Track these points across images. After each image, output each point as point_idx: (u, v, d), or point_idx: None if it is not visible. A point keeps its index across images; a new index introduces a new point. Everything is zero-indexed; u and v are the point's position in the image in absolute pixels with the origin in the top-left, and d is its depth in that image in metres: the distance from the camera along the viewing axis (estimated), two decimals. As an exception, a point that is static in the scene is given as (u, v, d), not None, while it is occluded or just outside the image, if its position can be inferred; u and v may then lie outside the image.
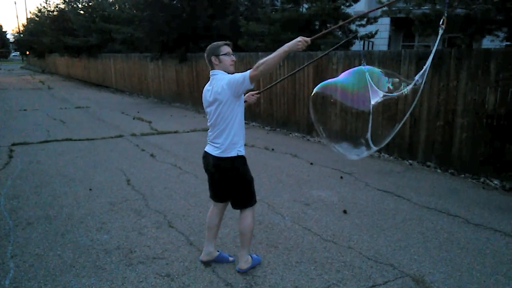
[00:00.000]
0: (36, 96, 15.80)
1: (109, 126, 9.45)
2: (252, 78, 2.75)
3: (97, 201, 4.58)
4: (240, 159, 2.97)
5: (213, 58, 2.89)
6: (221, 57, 2.88)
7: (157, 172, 5.68)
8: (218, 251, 3.27)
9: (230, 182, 3.01)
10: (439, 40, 3.06)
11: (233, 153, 2.92)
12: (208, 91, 2.94)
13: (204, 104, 3.02)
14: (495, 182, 5.22)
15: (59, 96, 15.86)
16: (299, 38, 2.76)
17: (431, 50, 3.16)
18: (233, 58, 2.95)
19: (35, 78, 27.09)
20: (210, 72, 2.96)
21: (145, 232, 3.79)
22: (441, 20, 2.89)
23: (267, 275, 3.08)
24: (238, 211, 3.11)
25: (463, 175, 5.58)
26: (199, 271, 3.13)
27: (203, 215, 4.19)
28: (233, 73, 2.89)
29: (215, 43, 2.96)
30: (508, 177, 5.14)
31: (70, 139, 7.82)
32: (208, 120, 3.02)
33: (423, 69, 2.98)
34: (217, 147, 2.94)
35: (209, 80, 2.99)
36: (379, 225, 3.99)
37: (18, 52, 53.69)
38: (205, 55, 2.95)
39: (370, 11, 3.91)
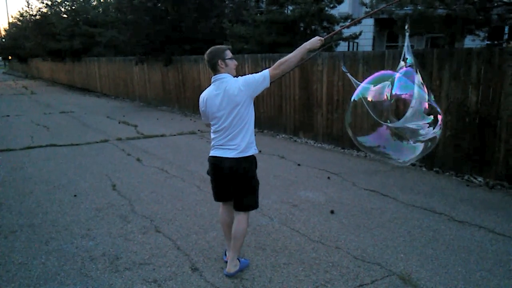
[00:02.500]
0: (19, 102, 15.53)
1: (94, 131, 9.34)
2: (272, 77, 2.87)
3: (82, 207, 4.51)
4: (254, 158, 3.02)
5: (219, 62, 2.90)
6: (227, 61, 2.92)
7: (143, 177, 5.63)
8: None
9: (244, 181, 2.99)
10: (407, 41, 3.13)
11: (250, 152, 2.95)
12: (217, 96, 2.89)
13: (211, 110, 2.94)
14: (479, 179, 5.31)
15: (42, 101, 15.61)
16: (317, 38, 2.96)
17: (404, 51, 3.21)
18: (235, 62, 3.00)
19: (18, 83, 26.65)
20: (215, 76, 2.93)
21: (131, 238, 3.75)
22: (406, 25, 3.02)
23: (255, 278, 3.07)
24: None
25: (447, 173, 5.66)
26: (186, 276, 3.10)
27: (190, 219, 4.17)
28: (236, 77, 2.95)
29: (217, 46, 2.98)
30: (491, 174, 5.23)
31: (54, 145, 7.70)
32: (218, 125, 2.94)
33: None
34: (233, 149, 2.90)
35: (208, 85, 3.00)
36: (366, 224, 4.01)
37: (0, 57, 52.69)
38: (208, 58, 2.93)
39: (366, 16, 3.96)
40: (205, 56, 2.97)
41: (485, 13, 5.59)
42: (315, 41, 2.94)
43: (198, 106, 3.11)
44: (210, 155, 3.04)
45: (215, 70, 2.93)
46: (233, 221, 3.13)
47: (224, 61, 2.90)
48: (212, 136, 3.02)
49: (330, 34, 3.34)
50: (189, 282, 3.02)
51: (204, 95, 3.00)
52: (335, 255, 3.40)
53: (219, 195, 3.17)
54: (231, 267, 3.08)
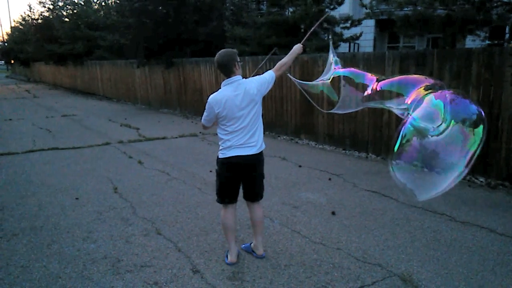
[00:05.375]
0: (21, 105, 15.59)
1: (96, 134, 9.36)
2: (276, 78, 3.22)
3: (84, 210, 4.53)
4: None
5: (235, 64, 3.04)
6: (239, 63, 3.09)
7: (145, 179, 5.64)
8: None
9: (259, 174, 3.24)
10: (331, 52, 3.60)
11: (264, 146, 3.18)
12: (237, 96, 2.99)
13: (231, 110, 2.99)
14: (481, 179, 5.29)
15: (45, 105, 15.67)
16: (300, 45, 3.38)
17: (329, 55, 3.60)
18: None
19: (21, 87, 26.75)
20: (230, 78, 3.03)
21: (133, 240, 3.75)
22: (330, 35, 3.26)
23: (256, 280, 3.07)
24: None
25: (449, 174, 5.64)
26: (187, 278, 3.11)
27: (191, 221, 4.17)
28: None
29: (230, 50, 3.10)
30: (493, 175, 5.22)
31: (56, 148, 7.73)
32: (237, 125, 3.02)
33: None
34: (253, 146, 3.08)
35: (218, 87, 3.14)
36: (367, 225, 4.01)
37: (2, 61, 52.96)
38: (223, 61, 3.01)
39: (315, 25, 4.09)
40: (219, 58, 3.02)
41: (484, 13, 5.58)
42: (300, 47, 3.38)
43: (200, 109, 3.15)
44: (227, 156, 3.06)
45: (230, 72, 3.03)
46: (252, 214, 3.31)
47: (238, 64, 3.06)
48: (226, 137, 3.05)
49: (305, 38, 3.58)
50: (190, 284, 3.02)
51: (220, 97, 3.00)
52: (336, 256, 3.40)
53: (231, 195, 3.22)
54: (262, 249, 3.36)
